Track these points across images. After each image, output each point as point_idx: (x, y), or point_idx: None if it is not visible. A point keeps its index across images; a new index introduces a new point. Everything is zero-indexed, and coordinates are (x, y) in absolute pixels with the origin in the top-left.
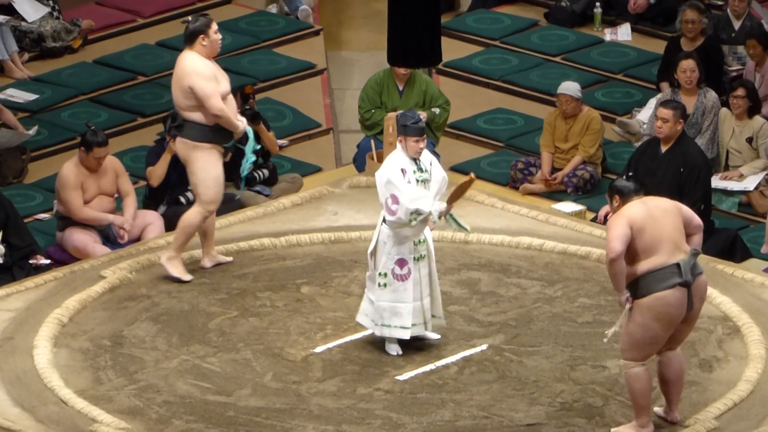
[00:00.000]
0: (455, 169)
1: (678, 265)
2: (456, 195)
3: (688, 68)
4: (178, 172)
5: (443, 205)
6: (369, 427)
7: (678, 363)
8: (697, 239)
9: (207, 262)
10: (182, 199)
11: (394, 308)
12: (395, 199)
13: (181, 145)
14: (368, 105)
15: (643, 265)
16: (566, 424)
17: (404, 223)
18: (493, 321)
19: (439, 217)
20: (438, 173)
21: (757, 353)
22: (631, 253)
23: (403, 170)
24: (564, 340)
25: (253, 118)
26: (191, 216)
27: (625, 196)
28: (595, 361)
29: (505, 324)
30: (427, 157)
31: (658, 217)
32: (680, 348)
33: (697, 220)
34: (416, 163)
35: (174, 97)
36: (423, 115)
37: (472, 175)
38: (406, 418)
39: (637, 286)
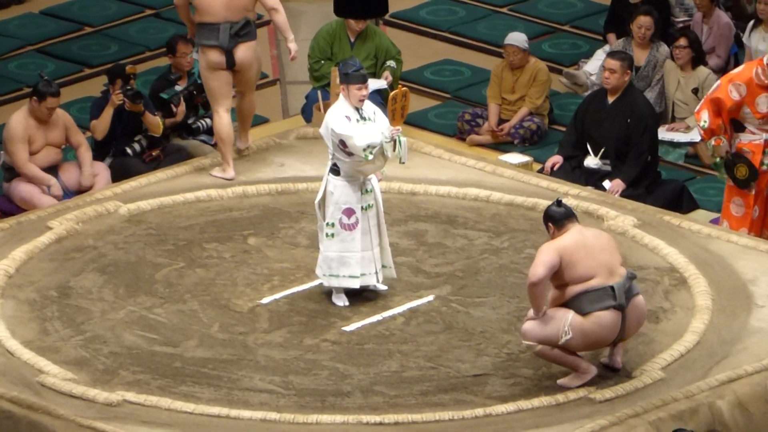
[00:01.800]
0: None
1: (612, 288)
2: (395, 112)
3: (644, 24)
4: (123, 124)
5: (391, 129)
6: (316, 378)
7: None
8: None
9: (241, 144)
10: (128, 150)
11: (342, 258)
12: (345, 144)
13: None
14: (318, 55)
15: (576, 288)
16: (512, 375)
17: (362, 159)
18: (439, 272)
19: (391, 140)
20: (383, 122)
21: (703, 304)
22: (563, 280)
23: (347, 117)
24: (511, 291)
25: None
26: (223, 125)
27: (558, 222)
28: None
29: (451, 275)
30: (370, 107)
31: (591, 246)
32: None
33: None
34: (359, 112)
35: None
36: (387, 76)
37: (402, 87)
38: (353, 368)
39: (570, 306)
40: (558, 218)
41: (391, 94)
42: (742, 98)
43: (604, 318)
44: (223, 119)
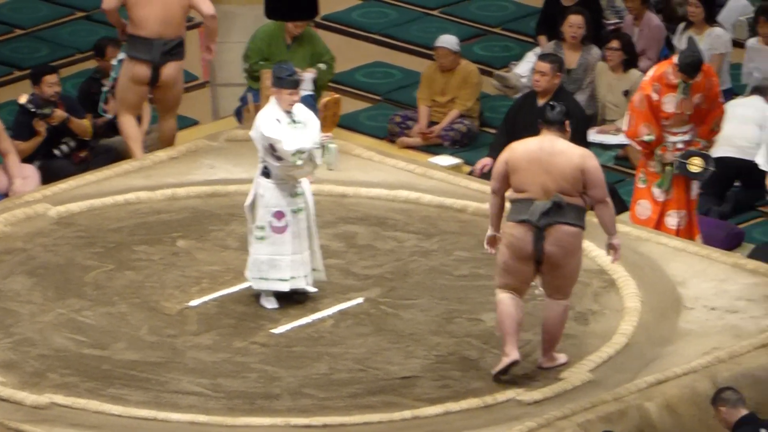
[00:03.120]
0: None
1: (533, 201)
2: (326, 119)
3: (575, 24)
4: (50, 128)
5: (319, 135)
6: (245, 381)
7: (548, 312)
8: (598, 209)
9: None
10: (56, 152)
11: (272, 261)
12: (274, 148)
13: None
14: (256, 56)
15: (512, 195)
16: (442, 377)
17: (291, 164)
18: (369, 274)
19: (320, 147)
20: (315, 127)
21: (632, 306)
22: (510, 185)
23: (277, 120)
24: (440, 293)
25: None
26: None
27: (542, 122)
28: (471, 314)
29: (381, 277)
30: (302, 110)
31: (541, 163)
32: (561, 301)
33: (599, 192)
34: (290, 116)
35: None
36: (312, 71)
37: (335, 94)
38: (282, 371)
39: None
40: (543, 120)
41: (324, 100)
42: (659, 97)
43: (515, 230)
44: (128, 119)
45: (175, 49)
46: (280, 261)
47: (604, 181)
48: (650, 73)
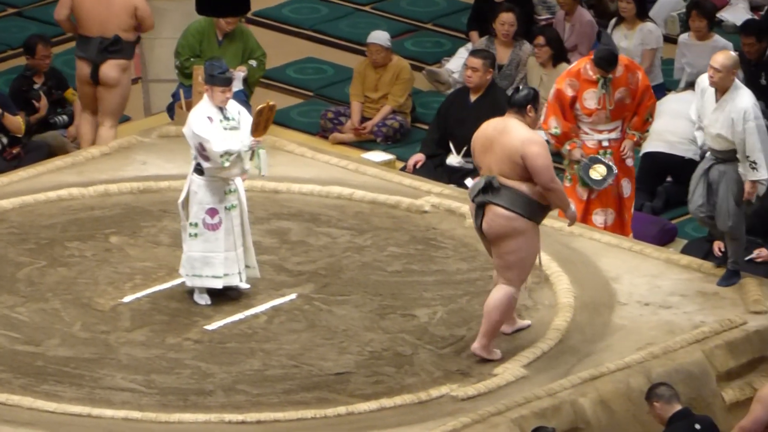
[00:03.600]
0: None
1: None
2: (258, 124)
3: (507, 21)
4: None
5: (250, 139)
6: (178, 377)
7: (491, 294)
8: (546, 195)
9: None
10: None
11: (205, 258)
12: (204, 147)
13: None
14: (188, 53)
15: None
16: (375, 373)
17: (219, 166)
18: (302, 270)
19: (249, 150)
20: (246, 128)
21: (566, 302)
22: None
23: (209, 118)
24: (374, 288)
25: None
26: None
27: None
28: (404, 310)
29: (314, 273)
30: (235, 107)
31: (491, 141)
32: (505, 286)
33: (540, 179)
34: (222, 112)
35: None
36: (243, 69)
37: (270, 101)
38: (216, 367)
39: None
40: (507, 101)
41: (259, 107)
42: (575, 93)
43: (470, 205)
44: (85, 119)
45: (113, 47)
46: (213, 258)
47: (546, 167)
48: (570, 67)
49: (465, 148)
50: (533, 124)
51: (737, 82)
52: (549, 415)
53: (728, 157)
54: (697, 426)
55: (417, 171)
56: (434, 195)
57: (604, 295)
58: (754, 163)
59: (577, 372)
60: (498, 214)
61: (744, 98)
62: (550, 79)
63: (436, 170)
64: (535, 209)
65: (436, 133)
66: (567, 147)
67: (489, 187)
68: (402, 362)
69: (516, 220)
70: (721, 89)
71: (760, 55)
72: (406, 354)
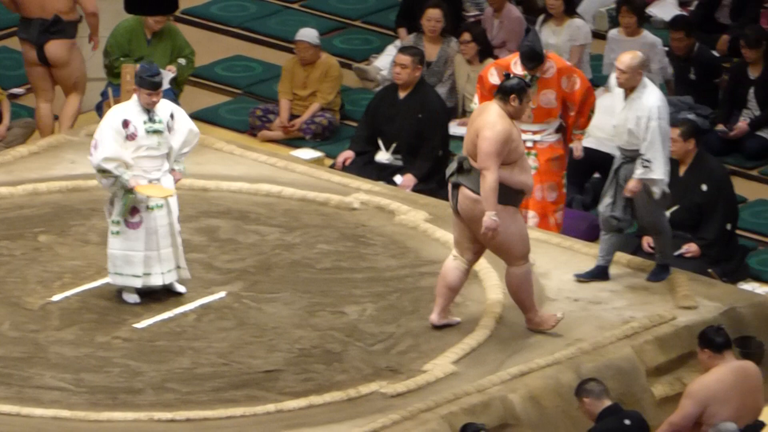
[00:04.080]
0: (195, 117)
1: None
2: (150, 190)
3: (434, 17)
4: None
5: (132, 184)
6: (108, 375)
7: (506, 282)
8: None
9: None
10: None
11: (126, 256)
12: (96, 146)
13: None
14: (117, 52)
15: None
16: (305, 371)
17: (95, 169)
18: (232, 268)
19: (125, 190)
20: (183, 125)
21: (495, 298)
22: None
23: (126, 121)
24: (303, 286)
25: None
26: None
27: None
28: (334, 307)
29: (244, 271)
30: (167, 108)
31: (472, 122)
32: (511, 267)
33: (480, 161)
34: (149, 114)
35: None
36: (172, 69)
37: (172, 192)
38: (145, 365)
39: None
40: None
41: (158, 187)
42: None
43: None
44: (39, 110)
45: (54, 27)
46: (133, 257)
47: (490, 152)
48: (500, 59)
49: (394, 145)
50: (515, 114)
51: (646, 80)
52: (479, 411)
53: (637, 155)
54: (627, 421)
55: (346, 168)
56: (363, 192)
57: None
58: (648, 161)
59: (507, 368)
60: (465, 196)
61: (651, 97)
62: (476, 76)
63: (365, 167)
64: (503, 193)
65: (365, 131)
66: None
67: (460, 168)
68: (331, 359)
69: (482, 203)
70: (629, 89)
71: (689, 50)
72: (335, 351)
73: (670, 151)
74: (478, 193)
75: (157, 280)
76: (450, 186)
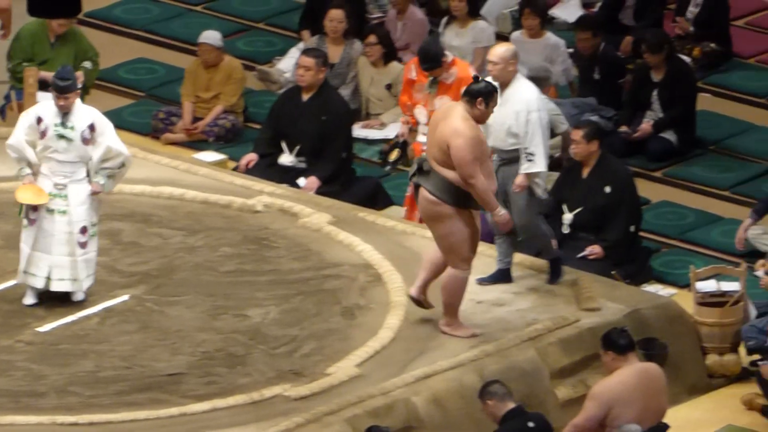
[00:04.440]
0: None
1: None
2: (22, 192)
3: (335, 18)
4: None
5: (25, 181)
6: (10, 379)
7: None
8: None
9: None
10: None
11: (22, 249)
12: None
13: None
14: (20, 56)
15: None
16: (208, 374)
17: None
18: (135, 271)
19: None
20: (105, 140)
21: (398, 300)
22: None
23: (39, 118)
24: (206, 289)
25: None
26: None
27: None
28: (237, 310)
29: (147, 274)
30: (87, 118)
31: (434, 124)
32: (451, 269)
33: (460, 172)
34: (63, 117)
35: None
36: (80, 76)
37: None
38: (48, 369)
39: None
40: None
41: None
42: (417, 78)
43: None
44: None
45: None
46: (23, 250)
47: (465, 162)
48: None
49: (297, 148)
50: (480, 118)
51: (519, 75)
52: (382, 414)
53: (514, 157)
54: (531, 424)
55: (249, 171)
56: (267, 195)
57: (437, 292)
58: (531, 154)
59: (411, 370)
60: (423, 197)
61: (527, 90)
62: (382, 78)
63: (268, 170)
64: (461, 197)
65: (268, 133)
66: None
67: (420, 169)
68: (235, 362)
69: (439, 205)
70: (503, 82)
71: (594, 49)
72: (239, 354)
73: (573, 153)
74: (436, 194)
75: (37, 282)
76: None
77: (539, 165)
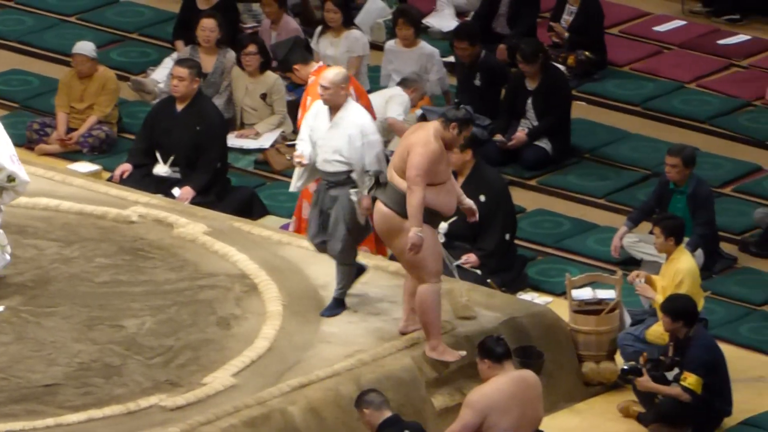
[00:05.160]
0: None
1: None
2: None
3: (207, 27)
4: None
5: None
6: None
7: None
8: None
9: None
10: None
11: None
12: None
13: None
14: None
15: None
16: (84, 384)
17: None
18: (10, 282)
19: None
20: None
21: (274, 310)
22: None
23: None
24: (82, 300)
25: None
26: None
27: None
28: (113, 321)
29: (22, 285)
30: None
31: (407, 137)
32: (422, 284)
33: (407, 173)
34: None
35: None
36: None
37: None
38: None
39: None
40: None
41: None
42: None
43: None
44: None
45: None
46: None
47: (420, 168)
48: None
49: (172, 158)
50: (449, 143)
51: (350, 99)
52: (259, 423)
53: (340, 180)
54: None
55: (124, 181)
56: (141, 205)
57: (313, 302)
58: (377, 173)
59: (287, 380)
60: (379, 211)
61: (359, 115)
62: (257, 88)
63: (143, 180)
64: (425, 212)
65: (142, 143)
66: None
67: (377, 182)
68: (111, 373)
69: (393, 218)
70: (334, 106)
71: (474, 57)
72: (114, 365)
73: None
74: (392, 207)
75: None
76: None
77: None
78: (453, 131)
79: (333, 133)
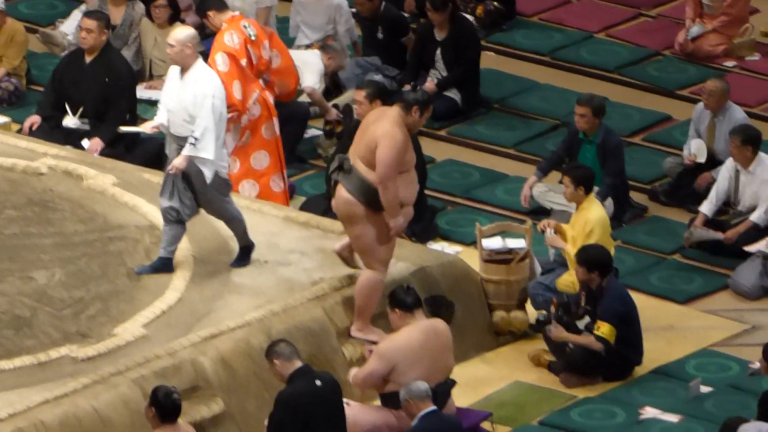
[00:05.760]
0: None
1: None
2: None
3: None
4: None
5: None
6: None
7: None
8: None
9: None
10: None
11: None
12: None
13: None
14: None
15: None
16: None
17: None
18: None
19: None
20: None
21: (184, 261)
22: None
23: None
24: None
25: None
26: None
27: None
28: (22, 273)
29: None
30: None
31: (366, 125)
32: (366, 270)
33: (378, 171)
34: None
35: None
36: None
37: None
38: None
39: None
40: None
41: None
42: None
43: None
44: None
45: None
46: None
47: (391, 163)
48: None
49: (81, 110)
50: (412, 126)
51: (200, 60)
52: (169, 374)
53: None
54: (318, 382)
55: (33, 133)
56: (51, 157)
57: (223, 253)
58: (196, 139)
59: (197, 331)
60: (340, 195)
61: (208, 76)
62: (164, 40)
63: (52, 132)
64: (378, 200)
65: (51, 95)
66: None
67: (341, 167)
68: (21, 324)
69: (355, 206)
70: (183, 66)
71: (375, 10)
72: (24, 316)
73: (357, 113)
74: (353, 194)
75: None
76: (331, 182)
77: (205, 152)
78: (415, 115)
79: (182, 95)
